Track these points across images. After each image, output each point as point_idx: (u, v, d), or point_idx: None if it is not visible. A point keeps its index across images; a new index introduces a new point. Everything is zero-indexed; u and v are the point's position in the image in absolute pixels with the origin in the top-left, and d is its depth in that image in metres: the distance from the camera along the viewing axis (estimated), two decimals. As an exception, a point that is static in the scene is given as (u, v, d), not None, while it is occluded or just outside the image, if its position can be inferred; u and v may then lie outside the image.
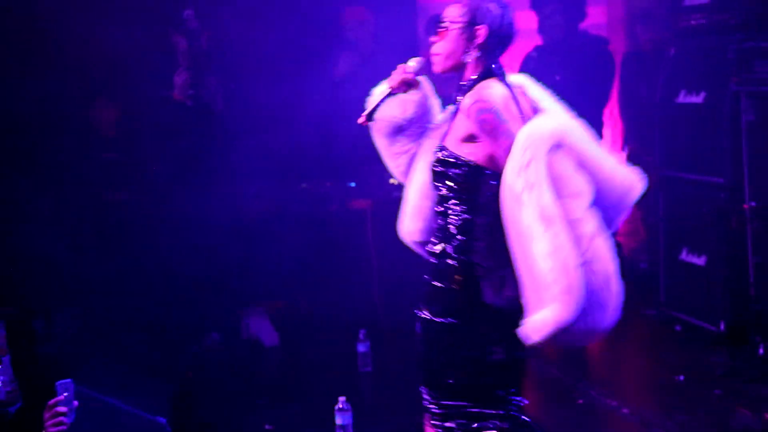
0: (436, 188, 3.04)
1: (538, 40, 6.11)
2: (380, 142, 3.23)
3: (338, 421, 4.24)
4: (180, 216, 5.57)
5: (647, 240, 6.58)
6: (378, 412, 4.64)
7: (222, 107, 5.73)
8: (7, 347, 4.07)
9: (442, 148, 3.02)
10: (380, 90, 3.18)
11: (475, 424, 2.99)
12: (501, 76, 3.00)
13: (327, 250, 5.85)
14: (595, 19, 7.40)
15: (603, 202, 2.96)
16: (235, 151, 5.61)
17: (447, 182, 2.99)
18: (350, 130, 5.55)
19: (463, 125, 2.97)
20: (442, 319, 2.98)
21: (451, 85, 3.10)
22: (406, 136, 3.18)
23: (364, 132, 3.33)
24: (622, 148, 6.86)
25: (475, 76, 2.99)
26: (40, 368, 4.58)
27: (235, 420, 4.72)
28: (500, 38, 3.00)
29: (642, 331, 5.76)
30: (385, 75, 3.19)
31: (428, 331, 3.02)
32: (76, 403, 3.28)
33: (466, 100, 2.95)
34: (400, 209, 3.22)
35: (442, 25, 3.02)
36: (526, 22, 6.05)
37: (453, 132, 3.02)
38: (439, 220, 3.05)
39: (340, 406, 4.25)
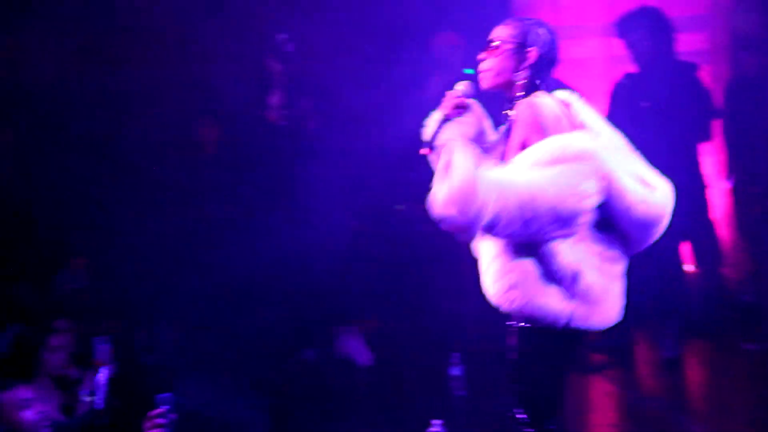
0: None
1: (630, 68, 6.03)
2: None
3: (432, 444, 4.23)
4: (277, 233, 5.68)
5: (752, 272, 6.40)
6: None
7: (315, 128, 5.83)
8: (109, 360, 4.23)
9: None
10: (434, 119, 3.25)
11: None
12: (548, 91, 3.11)
13: (422, 272, 5.87)
14: (698, 45, 7.29)
15: (625, 225, 3.03)
16: (327, 170, 5.71)
17: None
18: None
19: (517, 135, 3.06)
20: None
21: (497, 105, 3.20)
22: None
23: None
24: (726, 178, 6.71)
25: (523, 93, 3.10)
26: (141, 379, 4.72)
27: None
28: (548, 61, 3.12)
29: (744, 366, 5.59)
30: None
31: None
32: (174, 416, 3.39)
33: (516, 111, 3.07)
34: None
35: (493, 43, 3.13)
36: (617, 49, 6.01)
37: (510, 147, 3.09)
38: None
39: (435, 429, 4.24)
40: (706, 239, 6.26)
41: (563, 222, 2.94)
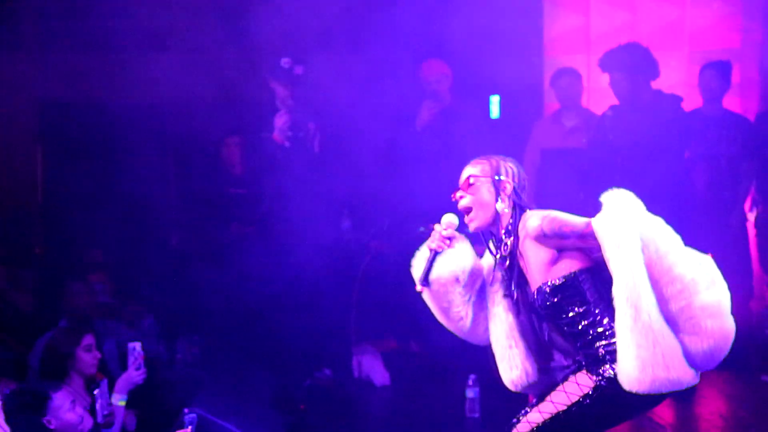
0: (558, 318, 3.15)
1: (614, 100, 6.07)
2: (439, 304, 3.33)
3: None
4: (293, 251, 5.75)
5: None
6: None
7: (318, 150, 5.93)
8: (141, 364, 4.33)
9: (540, 288, 3.14)
10: (422, 255, 3.32)
11: None
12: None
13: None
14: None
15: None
16: (336, 188, 5.80)
17: (572, 306, 3.11)
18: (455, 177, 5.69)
19: (544, 246, 3.12)
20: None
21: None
22: (464, 286, 3.28)
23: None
24: (750, 209, 6.69)
25: (512, 220, 3.20)
26: (161, 392, 4.77)
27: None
28: (522, 189, 3.24)
29: (765, 400, 5.55)
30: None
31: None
32: None
33: (529, 230, 3.13)
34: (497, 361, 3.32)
35: (469, 181, 3.23)
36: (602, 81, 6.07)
37: (535, 264, 3.15)
38: (577, 341, 3.15)
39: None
40: (743, 274, 6.24)
41: None
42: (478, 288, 3.30)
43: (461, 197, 3.25)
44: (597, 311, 3.11)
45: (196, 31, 6.19)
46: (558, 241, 3.09)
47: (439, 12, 6.43)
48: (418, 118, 6.24)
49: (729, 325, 3.05)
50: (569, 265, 3.11)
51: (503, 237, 3.21)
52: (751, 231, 6.77)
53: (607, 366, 3.07)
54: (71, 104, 6.34)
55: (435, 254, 3.25)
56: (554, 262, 3.12)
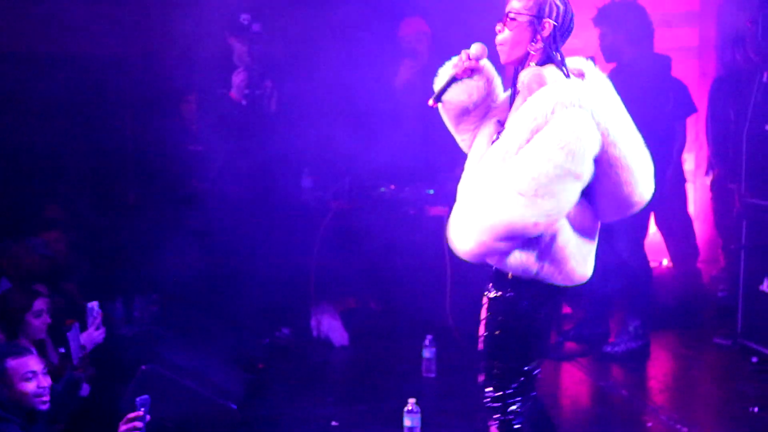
0: None
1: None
2: (448, 121, 3.37)
3: (407, 422, 4.28)
4: (257, 210, 5.71)
5: (727, 269, 6.47)
6: (439, 418, 4.67)
7: (275, 109, 5.89)
8: (99, 324, 4.28)
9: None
10: (446, 72, 3.30)
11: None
12: (560, 64, 3.16)
13: (402, 254, 5.91)
14: (687, 41, 7.32)
15: (600, 191, 3.11)
16: (295, 149, 5.77)
17: None
18: (428, 137, 5.67)
19: (521, 101, 3.11)
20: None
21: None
22: (472, 116, 3.32)
23: (448, 140, 3.40)
24: (707, 173, 6.77)
25: (535, 63, 3.16)
26: (118, 350, 4.74)
27: (302, 414, 4.79)
28: (563, 32, 3.18)
29: (716, 361, 5.67)
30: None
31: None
32: (149, 417, 3.46)
33: (524, 79, 3.12)
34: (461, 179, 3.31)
35: (510, 15, 3.17)
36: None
37: (514, 112, 3.14)
38: None
39: (410, 407, 4.29)
40: (682, 234, 6.32)
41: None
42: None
43: (499, 31, 3.20)
44: None
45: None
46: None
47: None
48: (398, 76, 6.18)
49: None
50: None
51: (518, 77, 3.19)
52: (706, 194, 6.86)
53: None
54: (21, 57, 6.18)
55: (453, 79, 3.26)
56: None
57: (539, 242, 3.06)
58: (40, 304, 4.31)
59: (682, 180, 6.22)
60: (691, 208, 6.71)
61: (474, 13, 5.97)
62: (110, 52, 6.23)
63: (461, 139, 3.38)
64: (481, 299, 3.26)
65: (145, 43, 6.01)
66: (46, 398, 3.72)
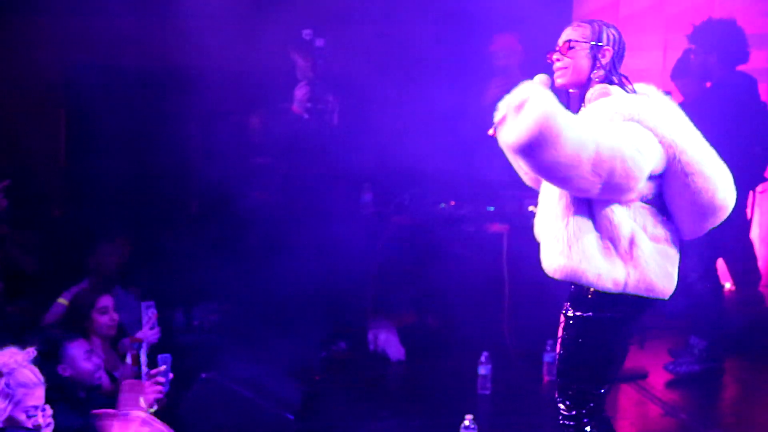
0: None
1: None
2: (507, 154, 3.35)
3: (464, 438, 4.28)
4: (317, 223, 5.76)
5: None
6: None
7: (337, 123, 5.93)
8: (154, 323, 4.38)
9: None
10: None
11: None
12: (622, 84, 3.23)
13: (460, 271, 5.90)
14: (760, 63, 7.19)
15: (679, 205, 3.14)
16: (356, 163, 5.81)
17: None
18: (493, 155, 5.66)
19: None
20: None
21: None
22: None
23: (505, 158, 3.41)
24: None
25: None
26: (177, 357, 4.81)
27: (357, 427, 4.80)
28: (619, 57, 3.26)
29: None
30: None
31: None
32: (171, 375, 3.58)
33: (590, 96, 3.21)
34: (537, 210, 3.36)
35: (570, 45, 3.23)
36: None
37: None
38: None
39: (467, 423, 4.29)
40: (743, 257, 6.20)
41: (626, 175, 3.01)
42: None
43: (558, 60, 3.25)
44: None
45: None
46: None
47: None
48: (487, 93, 6.15)
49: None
50: None
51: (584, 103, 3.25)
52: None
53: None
54: (98, 67, 6.35)
55: None
56: None
57: (618, 248, 3.09)
58: (105, 300, 4.43)
59: (745, 203, 6.11)
60: (757, 231, 6.57)
61: (522, 32, 5.98)
62: (174, 66, 6.36)
63: (524, 173, 3.40)
64: (543, 318, 3.28)
65: (210, 56, 6.12)
66: (100, 374, 3.99)
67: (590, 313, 3.13)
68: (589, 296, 3.13)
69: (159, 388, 3.67)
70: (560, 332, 3.23)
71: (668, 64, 6.12)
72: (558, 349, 3.24)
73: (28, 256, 5.75)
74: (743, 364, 5.89)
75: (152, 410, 3.58)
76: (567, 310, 3.21)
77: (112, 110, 6.03)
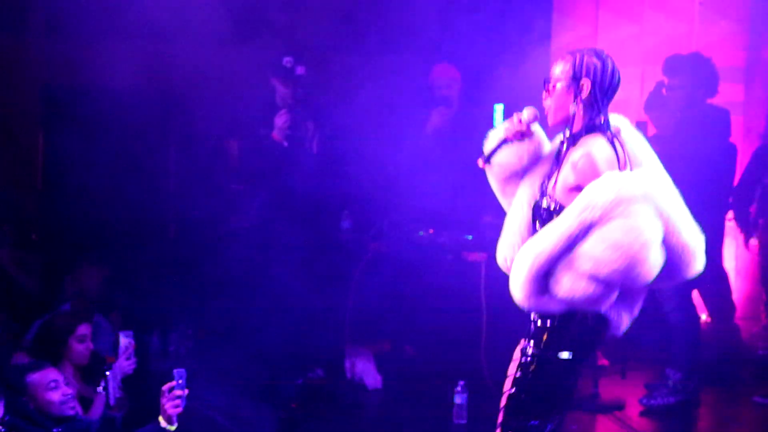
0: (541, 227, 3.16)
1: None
2: (495, 183, 3.38)
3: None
4: (295, 249, 5.74)
5: (768, 326, 6.37)
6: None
7: (316, 151, 5.95)
8: (131, 353, 4.31)
9: (550, 197, 3.15)
10: (496, 135, 3.32)
11: None
12: (604, 129, 3.14)
13: (438, 299, 5.90)
14: (733, 96, 7.27)
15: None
16: (335, 190, 5.81)
17: None
18: (466, 183, 5.69)
19: (572, 177, 3.11)
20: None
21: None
22: (521, 179, 3.32)
23: (484, 185, 3.42)
24: (753, 231, 6.66)
25: (580, 129, 3.16)
26: (152, 383, 4.76)
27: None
28: (604, 89, 3.16)
29: (755, 420, 5.55)
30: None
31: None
32: (187, 390, 3.52)
33: (575, 155, 3.12)
34: (500, 237, 3.36)
35: (549, 83, 3.20)
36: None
37: (561, 182, 3.15)
38: None
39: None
40: (717, 289, 6.23)
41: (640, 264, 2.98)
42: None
43: (544, 99, 3.23)
44: None
45: (199, 25, 6.20)
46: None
47: (445, 18, 6.44)
48: (429, 122, 6.23)
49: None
50: None
51: (565, 139, 3.20)
52: (751, 250, 6.76)
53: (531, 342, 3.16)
54: (76, 89, 6.33)
55: (504, 141, 3.28)
56: (574, 189, 3.11)
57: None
58: (84, 329, 4.35)
59: (720, 236, 6.15)
60: (732, 264, 6.62)
61: (501, 61, 6.04)
62: (154, 90, 6.35)
63: (506, 204, 3.38)
64: (515, 347, 3.24)
65: (189, 81, 6.13)
66: (73, 404, 3.83)
67: (550, 353, 3.11)
68: (551, 334, 3.11)
69: (177, 402, 3.61)
70: (512, 368, 3.19)
71: (645, 96, 6.18)
72: (507, 387, 3.19)
73: (28, 276, 5.73)
74: (719, 396, 5.91)
75: (173, 428, 3.52)
76: (525, 347, 3.17)
77: (90, 134, 6.01)
